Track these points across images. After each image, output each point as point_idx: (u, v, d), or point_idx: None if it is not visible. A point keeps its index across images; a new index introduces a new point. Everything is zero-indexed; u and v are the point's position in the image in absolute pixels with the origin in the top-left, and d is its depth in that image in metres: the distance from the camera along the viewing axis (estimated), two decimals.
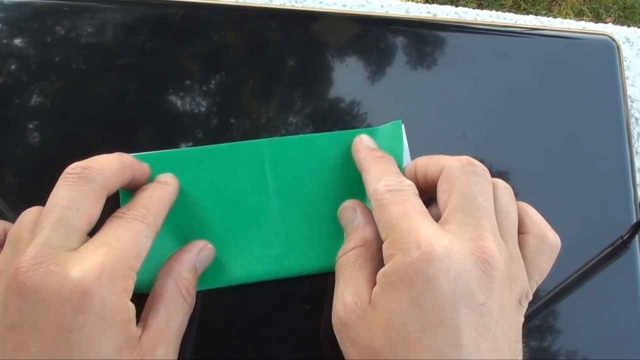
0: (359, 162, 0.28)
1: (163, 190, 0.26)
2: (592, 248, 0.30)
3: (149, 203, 0.25)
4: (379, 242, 0.25)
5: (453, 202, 0.24)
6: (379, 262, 0.24)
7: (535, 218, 0.26)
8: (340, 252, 0.26)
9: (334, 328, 0.24)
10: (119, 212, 0.24)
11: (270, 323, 0.28)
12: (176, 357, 0.23)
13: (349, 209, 0.27)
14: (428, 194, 0.27)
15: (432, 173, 0.25)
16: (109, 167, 0.24)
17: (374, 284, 0.23)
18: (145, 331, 0.22)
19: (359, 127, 0.31)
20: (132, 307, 0.22)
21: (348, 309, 0.23)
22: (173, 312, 0.24)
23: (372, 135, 0.30)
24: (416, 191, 0.25)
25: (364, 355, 0.22)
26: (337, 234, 0.28)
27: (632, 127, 0.34)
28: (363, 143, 0.29)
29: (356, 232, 0.26)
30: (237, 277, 0.28)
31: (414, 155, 0.30)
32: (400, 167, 0.28)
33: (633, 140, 0.33)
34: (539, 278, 0.25)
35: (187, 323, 0.25)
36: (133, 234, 0.23)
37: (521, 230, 0.25)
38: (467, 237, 0.22)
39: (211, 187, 0.28)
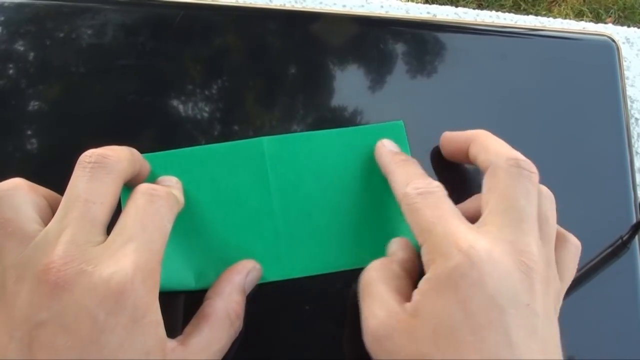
0: (383, 166, 0.28)
1: (175, 180, 0.27)
2: (592, 248, 0.30)
3: (173, 180, 0.25)
4: (407, 264, 0.25)
5: (493, 203, 0.23)
6: (403, 279, 0.24)
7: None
8: (365, 269, 0.25)
9: (367, 345, 0.23)
10: (142, 187, 0.23)
11: (270, 323, 0.28)
12: None
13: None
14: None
15: (482, 163, 0.25)
16: (125, 157, 0.24)
17: (402, 297, 0.23)
18: (183, 346, 0.22)
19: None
20: (158, 306, 0.21)
21: (381, 321, 0.22)
22: (218, 334, 0.24)
23: (373, 132, 0.30)
24: (445, 192, 0.24)
25: None
26: (339, 232, 0.28)
27: (632, 127, 0.34)
28: (385, 147, 0.29)
29: (387, 254, 0.26)
30: None
31: (414, 156, 0.30)
32: None
33: (633, 141, 0.33)
34: (569, 279, 0.25)
35: (228, 347, 0.24)
36: (158, 220, 0.23)
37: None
38: (507, 239, 0.22)
39: (212, 186, 0.28)
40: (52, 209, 0.23)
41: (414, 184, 0.24)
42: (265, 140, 0.29)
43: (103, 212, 0.22)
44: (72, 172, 0.23)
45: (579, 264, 0.30)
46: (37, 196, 0.23)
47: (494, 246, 0.21)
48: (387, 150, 0.28)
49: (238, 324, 0.25)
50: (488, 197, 0.24)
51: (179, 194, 0.27)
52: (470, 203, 0.27)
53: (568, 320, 0.29)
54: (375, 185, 0.29)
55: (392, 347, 0.22)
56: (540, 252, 0.23)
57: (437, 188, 0.24)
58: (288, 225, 0.28)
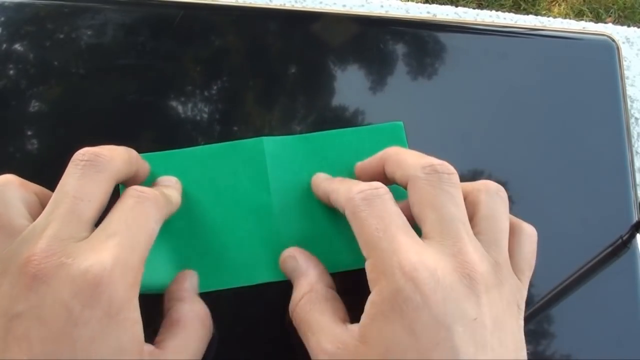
0: (324, 192, 0.27)
1: (169, 190, 0.26)
2: (592, 248, 0.30)
3: (170, 181, 0.25)
4: (324, 280, 0.25)
5: (426, 216, 0.23)
6: (332, 300, 0.24)
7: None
8: (291, 305, 0.25)
9: None
10: (131, 190, 0.23)
11: (270, 323, 0.28)
12: None
13: (289, 259, 0.27)
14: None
15: (400, 180, 0.25)
16: (119, 157, 0.24)
17: (341, 320, 0.23)
18: (160, 349, 0.22)
19: (358, 127, 0.31)
20: (137, 304, 0.21)
21: (332, 354, 0.22)
22: (192, 335, 0.24)
23: (373, 133, 0.30)
24: (390, 194, 0.24)
25: None
26: (338, 232, 0.28)
27: (632, 127, 0.34)
28: (320, 177, 0.28)
29: (300, 279, 0.26)
30: (238, 279, 0.28)
31: None
32: None
33: (633, 140, 0.33)
34: (529, 271, 0.25)
35: (205, 347, 0.24)
36: (144, 220, 0.23)
37: None
38: (448, 253, 0.22)
39: (211, 186, 0.28)
40: (43, 205, 0.23)
41: (357, 188, 0.24)
42: (265, 140, 0.29)
43: (90, 210, 0.22)
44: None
45: (578, 264, 0.30)
46: (27, 192, 0.23)
47: (437, 263, 0.21)
48: (322, 178, 0.28)
49: (209, 323, 0.25)
50: (418, 210, 0.23)
51: (175, 194, 0.27)
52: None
53: (568, 320, 0.29)
54: None
55: None
56: (483, 259, 0.22)
57: (382, 190, 0.23)
58: (287, 226, 0.28)
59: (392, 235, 0.22)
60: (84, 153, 0.23)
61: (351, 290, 0.28)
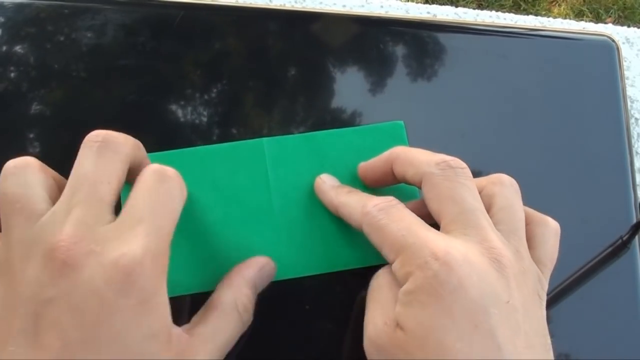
0: (329, 203, 0.27)
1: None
2: (592, 248, 0.30)
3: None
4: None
5: (447, 211, 0.23)
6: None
7: (530, 208, 0.26)
8: (375, 274, 0.25)
9: (366, 351, 0.23)
10: (151, 166, 0.23)
11: (270, 323, 0.28)
12: None
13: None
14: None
15: (412, 178, 0.25)
16: (131, 142, 0.24)
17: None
18: (189, 334, 0.22)
19: (359, 127, 0.31)
20: (166, 290, 0.21)
21: (379, 331, 0.22)
22: (224, 325, 0.24)
23: (374, 132, 0.30)
24: (403, 204, 0.24)
25: None
26: (339, 232, 0.28)
27: (632, 128, 0.34)
28: (326, 184, 0.28)
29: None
30: None
31: None
32: None
33: (633, 141, 0.33)
34: (551, 264, 0.25)
35: (236, 339, 0.24)
36: (169, 202, 0.22)
37: (526, 220, 0.25)
38: (474, 240, 0.22)
39: (212, 186, 0.28)
40: (60, 191, 0.23)
41: (372, 202, 0.24)
42: (265, 141, 0.29)
43: (110, 192, 0.22)
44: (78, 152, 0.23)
45: (578, 264, 0.30)
46: (46, 176, 0.23)
47: (467, 249, 0.22)
48: (328, 186, 0.28)
49: (247, 317, 0.25)
50: (437, 207, 0.24)
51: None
52: (422, 209, 0.27)
53: (568, 320, 0.29)
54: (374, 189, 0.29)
55: (386, 356, 0.22)
56: (506, 246, 0.23)
57: (394, 201, 0.24)
58: (288, 226, 0.28)
59: (416, 232, 0.22)
60: (97, 134, 0.23)
61: (354, 290, 0.28)
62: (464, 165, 0.24)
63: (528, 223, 0.25)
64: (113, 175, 0.22)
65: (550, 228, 0.25)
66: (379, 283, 0.24)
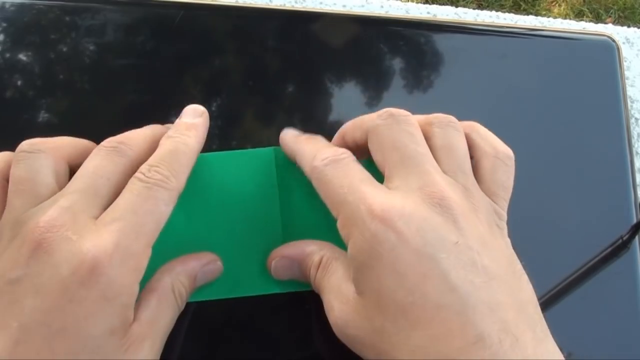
0: (289, 151, 0.27)
1: (190, 139, 0.25)
2: (592, 248, 0.30)
3: (172, 160, 0.24)
4: (326, 245, 0.25)
5: (389, 158, 0.23)
6: (342, 257, 0.24)
7: (484, 135, 0.25)
8: (311, 281, 0.25)
9: (342, 339, 0.23)
10: (139, 173, 0.23)
11: (270, 324, 0.28)
12: (158, 357, 0.23)
13: (279, 264, 0.26)
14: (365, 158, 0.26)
15: (361, 138, 0.25)
16: (142, 143, 0.25)
17: (350, 278, 0.23)
18: (136, 321, 0.22)
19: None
20: (136, 290, 0.21)
21: (338, 311, 0.22)
22: (164, 308, 0.23)
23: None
24: (353, 157, 0.24)
25: (374, 343, 0.21)
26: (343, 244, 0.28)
27: (632, 128, 0.34)
28: (288, 135, 0.28)
29: (306, 261, 0.25)
30: (239, 289, 0.27)
31: None
32: None
33: (633, 141, 0.33)
34: (505, 194, 0.24)
35: (172, 325, 0.24)
36: (152, 203, 0.22)
37: (473, 153, 0.25)
38: (414, 188, 0.22)
39: (219, 194, 0.28)
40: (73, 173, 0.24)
41: (320, 155, 0.24)
42: (275, 150, 0.28)
43: (107, 187, 0.23)
44: None
45: (578, 264, 0.30)
46: (59, 162, 0.24)
47: (405, 199, 0.21)
48: (289, 135, 0.27)
49: (181, 303, 0.24)
50: (380, 155, 0.24)
51: (201, 133, 0.26)
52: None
53: (568, 320, 0.29)
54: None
55: (354, 332, 0.22)
56: (453, 186, 0.22)
57: (344, 154, 0.24)
58: (295, 237, 0.28)
59: (356, 188, 0.22)
60: (109, 141, 0.24)
61: None
62: (406, 113, 0.24)
63: (477, 156, 0.25)
64: (113, 173, 0.23)
65: (500, 159, 0.25)
66: (322, 281, 0.24)
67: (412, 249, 0.20)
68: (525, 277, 0.23)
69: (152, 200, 0.22)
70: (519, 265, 0.23)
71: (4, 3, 0.33)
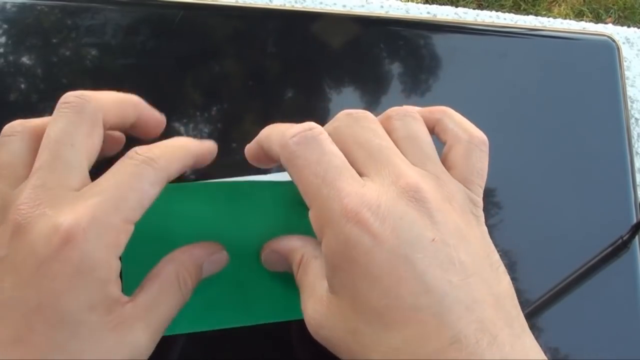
0: (257, 147, 0.25)
1: (190, 141, 0.25)
2: (592, 248, 0.30)
3: (166, 146, 0.23)
4: (310, 243, 0.24)
5: (355, 156, 0.22)
6: (321, 256, 0.23)
7: (457, 120, 0.25)
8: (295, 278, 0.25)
9: (316, 339, 0.22)
10: (130, 152, 0.23)
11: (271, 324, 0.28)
12: (153, 344, 0.22)
13: (269, 255, 0.26)
14: None
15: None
16: (105, 97, 0.23)
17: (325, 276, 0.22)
18: (131, 302, 0.22)
19: None
20: (116, 265, 0.21)
21: (312, 310, 0.22)
22: (166, 295, 0.23)
23: None
24: (325, 133, 0.23)
25: (348, 344, 0.21)
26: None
27: (632, 128, 0.34)
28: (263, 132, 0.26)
29: (291, 256, 0.25)
30: (239, 320, 0.26)
31: None
32: None
33: (633, 141, 0.33)
34: (480, 180, 0.24)
35: (175, 314, 0.23)
36: (135, 180, 0.22)
37: (446, 138, 0.24)
38: (388, 182, 0.21)
39: (226, 222, 0.27)
40: None
41: (291, 131, 0.22)
42: (280, 185, 0.27)
43: (75, 154, 0.22)
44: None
45: (578, 264, 0.30)
46: (35, 141, 0.23)
47: (379, 195, 0.21)
48: (253, 142, 0.26)
49: (186, 292, 0.24)
50: (347, 154, 0.22)
51: (205, 147, 0.25)
52: None
53: (568, 320, 0.29)
54: None
55: (327, 333, 0.21)
56: (424, 176, 0.22)
57: (317, 130, 0.22)
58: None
59: (331, 180, 0.21)
60: (66, 96, 0.23)
61: None
62: (365, 112, 0.24)
63: (450, 141, 0.24)
64: (75, 135, 0.22)
65: (473, 143, 0.24)
66: (301, 278, 0.24)
67: (387, 251, 0.20)
68: (502, 268, 0.22)
69: (137, 177, 0.22)
70: (496, 256, 0.22)
71: (4, 3, 0.33)
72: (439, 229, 0.21)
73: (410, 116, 0.24)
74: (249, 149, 0.26)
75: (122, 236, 0.21)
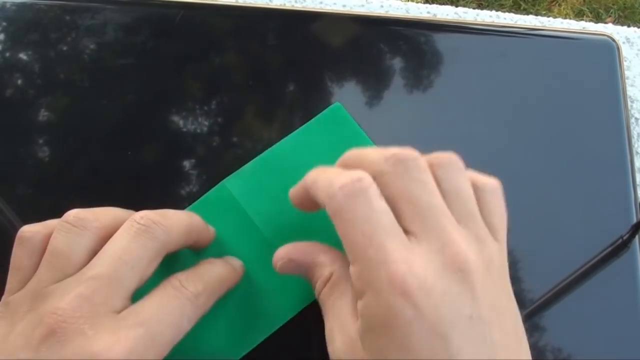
0: (302, 190, 0.25)
1: (228, 272, 0.25)
2: (592, 248, 0.30)
3: (210, 280, 0.24)
4: (340, 259, 0.24)
5: (403, 211, 0.22)
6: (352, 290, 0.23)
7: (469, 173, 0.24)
8: (316, 292, 0.24)
9: None
10: (174, 280, 0.23)
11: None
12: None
13: (286, 265, 0.25)
14: None
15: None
16: (178, 228, 0.24)
17: (356, 313, 0.22)
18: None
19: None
20: None
21: (340, 348, 0.22)
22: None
23: (319, 124, 0.30)
24: (375, 186, 0.22)
25: None
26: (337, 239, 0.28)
27: (632, 127, 0.34)
28: (294, 187, 0.26)
29: (315, 271, 0.24)
30: (263, 328, 0.27)
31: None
32: (365, 141, 0.29)
33: (633, 141, 0.33)
34: (502, 224, 0.24)
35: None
36: (177, 316, 0.22)
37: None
38: (435, 249, 0.21)
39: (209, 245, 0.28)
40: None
41: (339, 182, 0.21)
42: (227, 182, 0.29)
43: (132, 277, 0.22)
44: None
45: (578, 264, 0.30)
46: (98, 242, 0.23)
47: (427, 266, 0.20)
48: (296, 185, 0.26)
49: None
50: (393, 206, 0.22)
51: (237, 276, 0.26)
52: None
53: (568, 320, 0.29)
54: None
55: None
56: (469, 242, 0.22)
57: (366, 182, 0.21)
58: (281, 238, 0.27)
59: (379, 242, 0.21)
60: (142, 217, 0.23)
61: None
62: (415, 155, 0.22)
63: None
64: (141, 259, 0.22)
65: (487, 190, 0.24)
66: (326, 293, 0.23)
67: (426, 326, 0.20)
68: (524, 339, 0.22)
69: (179, 313, 0.22)
70: (521, 328, 0.22)
71: (4, 3, 0.33)
72: (478, 305, 0.20)
73: (454, 166, 0.23)
74: (295, 193, 0.26)
75: None
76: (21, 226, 0.24)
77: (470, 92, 0.33)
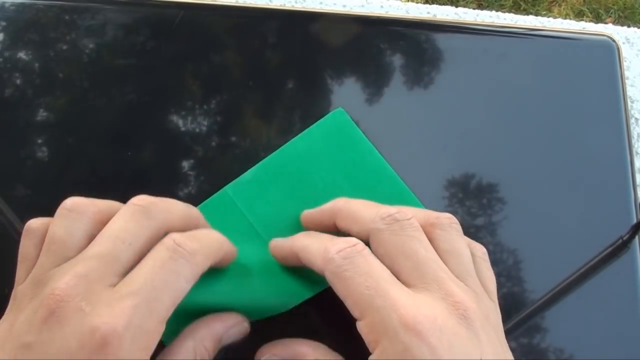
0: (290, 251, 0.26)
1: (225, 240, 0.25)
2: (592, 248, 0.30)
3: (207, 241, 0.24)
4: (324, 353, 0.24)
5: (401, 266, 0.23)
6: None
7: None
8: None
9: None
10: (168, 240, 0.23)
11: (274, 321, 0.28)
12: None
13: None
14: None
15: (358, 234, 0.24)
16: (175, 212, 0.24)
17: None
18: None
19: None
20: None
21: None
22: None
23: (321, 129, 0.30)
24: (367, 249, 0.23)
25: None
26: None
27: (632, 128, 0.34)
28: (278, 241, 0.27)
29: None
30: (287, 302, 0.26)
31: (410, 152, 0.30)
32: (368, 147, 0.29)
33: (633, 141, 0.33)
34: (494, 286, 0.25)
35: None
36: (173, 279, 0.22)
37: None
38: (438, 297, 0.22)
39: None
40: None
41: (335, 248, 0.23)
42: (229, 189, 0.29)
43: (128, 253, 0.22)
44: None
45: (578, 264, 0.30)
46: (95, 227, 0.23)
47: (434, 310, 0.21)
48: (280, 240, 0.27)
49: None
50: (390, 262, 0.23)
51: (233, 249, 0.26)
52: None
53: (568, 320, 0.29)
54: (351, 179, 0.29)
55: None
56: (468, 294, 0.23)
57: (360, 246, 0.23)
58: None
59: (384, 291, 0.21)
60: (140, 199, 0.23)
61: None
62: (409, 215, 0.24)
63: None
64: (136, 237, 0.22)
65: (479, 253, 0.25)
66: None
67: None
68: None
69: (174, 275, 0.22)
70: None
71: (4, 3, 0.33)
72: (483, 350, 0.21)
73: (454, 228, 0.25)
74: (279, 252, 0.27)
75: (155, 337, 0.21)
76: (21, 226, 0.24)
77: (471, 93, 0.33)
